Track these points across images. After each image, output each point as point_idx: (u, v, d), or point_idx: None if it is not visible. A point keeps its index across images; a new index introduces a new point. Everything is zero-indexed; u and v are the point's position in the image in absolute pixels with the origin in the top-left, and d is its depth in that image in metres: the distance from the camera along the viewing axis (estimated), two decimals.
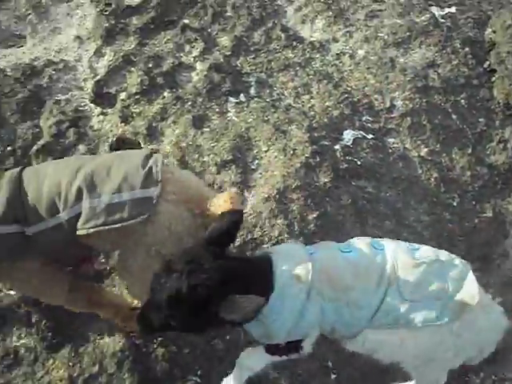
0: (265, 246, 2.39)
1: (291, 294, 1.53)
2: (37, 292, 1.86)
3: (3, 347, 2.12)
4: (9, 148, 2.68)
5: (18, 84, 2.91)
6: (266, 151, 2.68)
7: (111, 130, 2.78)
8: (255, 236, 2.42)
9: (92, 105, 2.90)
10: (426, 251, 1.65)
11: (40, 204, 1.64)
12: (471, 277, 1.60)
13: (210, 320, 1.47)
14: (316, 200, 2.52)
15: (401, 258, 1.61)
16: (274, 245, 2.35)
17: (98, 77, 2.99)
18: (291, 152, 2.66)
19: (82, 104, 2.91)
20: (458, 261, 1.64)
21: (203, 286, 1.42)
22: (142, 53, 3.07)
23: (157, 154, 1.70)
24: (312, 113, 2.86)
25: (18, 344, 2.14)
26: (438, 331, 1.59)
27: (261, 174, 2.60)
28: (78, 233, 1.62)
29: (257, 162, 2.65)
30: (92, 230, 1.59)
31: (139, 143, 2.25)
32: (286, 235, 2.41)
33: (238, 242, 2.36)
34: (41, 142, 2.70)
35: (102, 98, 2.92)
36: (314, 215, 2.48)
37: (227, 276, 1.47)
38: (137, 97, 2.88)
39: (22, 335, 2.16)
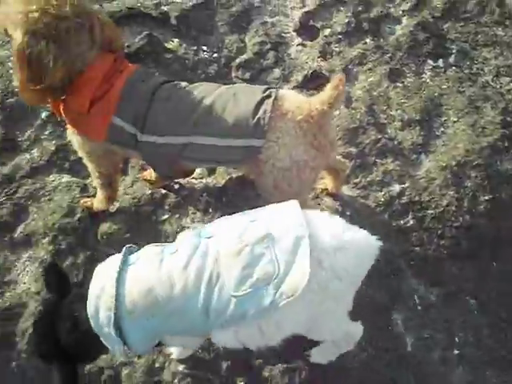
0: (429, 211, 2.41)
1: (102, 325, 1.45)
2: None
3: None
4: (215, 55, 2.88)
5: None
6: (454, 122, 2.64)
7: (307, 62, 2.88)
8: (422, 199, 2.44)
9: (294, 33, 3.00)
10: (257, 227, 1.44)
11: (160, 119, 1.77)
12: (303, 249, 1.37)
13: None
14: (493, 183, 2.47)
15: (223, 246, 1.43)
16: (439, 212, 2.37)
17: (306, 8, 3.07)
18: (480, 129, 2.60)
19: (285, 31, 3.02)
20: (293, 232, 1.40)
21: None
22: None
23: (269, 101, 1.71)
24: (510, 96, 2.75)
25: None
26: (290, 309, 1.41)
27: (444, 142, 2.59)
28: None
29: (442, 129, 2.63)
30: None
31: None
32: (453, 208, 2.41)
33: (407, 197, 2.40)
34: (243, 57, 2.87)
35: (306, 29, 3.00)
36: (486, 197, 2.44)
37: None
38: (339, 36, 2.93)
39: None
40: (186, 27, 2.94)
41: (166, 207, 2.40)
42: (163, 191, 2.43)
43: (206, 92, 1.78)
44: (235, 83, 2.45)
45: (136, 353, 1.63)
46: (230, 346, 1.53)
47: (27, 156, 2.55)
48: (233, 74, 2.81)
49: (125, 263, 1.49)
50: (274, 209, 1.52)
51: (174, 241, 2.19)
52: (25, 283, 2.20)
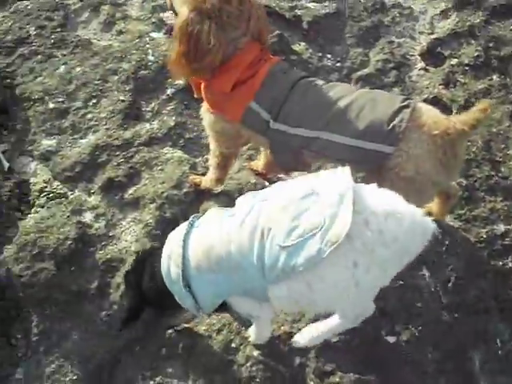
0: None
1: (173, 282, 1.66)
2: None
3: None
4: (338, 64, 2.94)
5: (365, 13, 3.12)
6: None
7: (427, 87, 2.87)
8: None
9: (418, 57, 3.01)
10: (305, 185, 1.52)
11: (294, 111, 1.84)
12: (347, 202, 1.41)
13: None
14: None
15: (274, 204, 1.52)
16: None
17: (435, 35, 3.07)
18: None
19: (410, 53, 3.04)
20: (338, 188, 1.45)
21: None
22: (486, 30, 3.05)
23: (407, 110, 1.72)
24: None
25: None
26: (336, 263, 1.44)
27: None
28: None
29: None
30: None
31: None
32: None
33: None
34: (365, 71, 2.91)
35: (431, 55, 3.01)
36: None
37: None
38: (466, 68, 2.91)
39: None
40: (315, 33, 3.02)
41: None
42: (266, 183, 2.51)
43: (343, 92, 1.84)
44: None
45: (204, 309, 1.73)
46: (285, 304, 1.62)
47: (147, 126, 2.70)
48: (351, 84, 2.85)
49: (191, 226, 1.69)
50: (326, 173, 1.58)
51: None
52: (126, 241, 2.33)
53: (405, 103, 1.75)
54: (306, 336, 2.00)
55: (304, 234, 1.43)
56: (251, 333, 2.05)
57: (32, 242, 2.22)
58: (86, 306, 2.16)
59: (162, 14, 3.05)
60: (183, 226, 1.71)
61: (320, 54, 2.96)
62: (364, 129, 1.73)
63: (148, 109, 2.75)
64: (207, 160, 2.57)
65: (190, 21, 1.72)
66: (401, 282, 2.18)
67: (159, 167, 2.56)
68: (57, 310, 2.15)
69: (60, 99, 2.75)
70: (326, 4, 3.15)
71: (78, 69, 2.85)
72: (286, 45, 2.94)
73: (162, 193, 2.43)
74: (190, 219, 1.72)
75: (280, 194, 1.54)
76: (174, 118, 2.72)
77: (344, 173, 1.51)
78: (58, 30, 2.99)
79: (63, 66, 2.86)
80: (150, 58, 2.83)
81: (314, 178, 1.57)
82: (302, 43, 3.00)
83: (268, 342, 2.06)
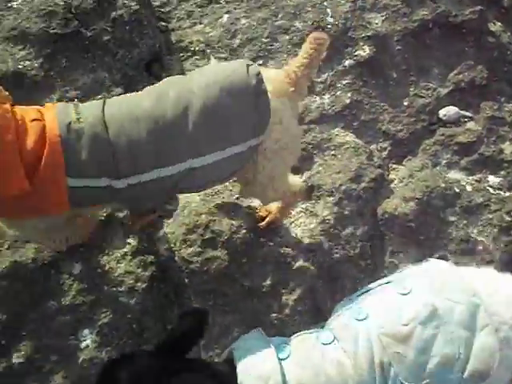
0: None
1: None
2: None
3: None
4: None
5: None
6: None
7: None
8: None
9: None
10: (416, 300, 1.26)
11: (137, 153, 1.44)
12: (482, 321, 1.18)
13: None
14: None
15: (386, 331, 1.24)
16: None
17: None
18: None
19: None
20: (462, 302, 1.22)
21: None
22: None
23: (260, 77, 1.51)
24: None
25: None
26: None
27: None
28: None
29: None
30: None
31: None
32: None
33: None
34: None
35: None
36: None
37: None
38: None
39: None
40: None
41: (457, 209, 2.17)
42: (457, 190, 2.20)
43: (180, 102, 1.45)
44: None
45: None
46: None
47: (318, 100, 2.39)
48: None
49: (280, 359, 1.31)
50: (421, 273, 1.35)
51: (455, 247, 2.03)
52: (296, 234, 2.09)
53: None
54: None
55: (437, 369, 1.20)
56: None
57: (204, 225, 1.98)
58: (255, 304, 1.95)
59: None
60: (268, 353, 1.31)
61: None
62: (231, 133, 1.48)
63: (319, 80, 2.42)
64: (382, 149, 2.28)
65: None
66: None
67: (332, 152, 2.26)
68: (222, 303, 1.95)
69: (222, 55, 2.43)
70: None
71: (244, 21, 2.50)
72: (484, 23, 2.52)
73: (341, 185, 2.15)
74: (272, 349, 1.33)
75: (387, 316, 1.28)
76: (349, 94, 2.39)
77: (450, 269, 1.29)
78: None
79: (226, 16, 2.51)
80: (329, 19, 2.46)
81: (415, 283, 1.31)
82: (499, 23, 2.57)
83: None
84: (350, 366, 1.26)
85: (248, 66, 1.52)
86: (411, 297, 1.28)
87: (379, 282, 1.44)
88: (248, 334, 1.42)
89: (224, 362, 1.38)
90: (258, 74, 1.50)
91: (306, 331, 1.39)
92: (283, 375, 1.25)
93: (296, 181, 1.91)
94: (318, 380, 1.26)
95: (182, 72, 2.41)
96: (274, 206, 1.96)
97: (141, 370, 1.23)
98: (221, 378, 1.28)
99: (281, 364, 1.28)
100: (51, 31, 2.20)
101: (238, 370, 1.27)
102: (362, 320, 1.31)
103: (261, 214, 2.02)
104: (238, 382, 1.25)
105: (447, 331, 1.21)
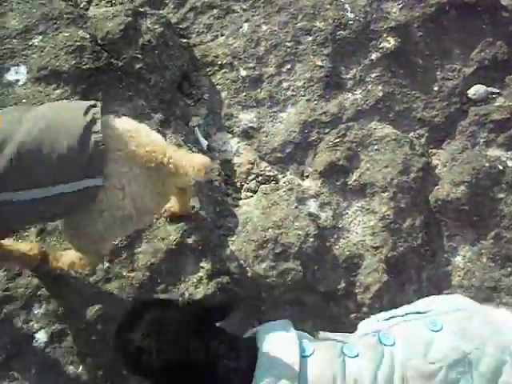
0: None
1: None
2: None
3: None
4: None
5: None
6: None
7: None
8: None
9: None
10: (447, 343, 1.27)
11: None
12: (506, 379, 1.21)
13: None
14: None
15: (411, 365, 1.27)
16: None
17: None
18: None
19: None
20: (493, 354, 1.23)
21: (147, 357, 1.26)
22: None
23: (96, 129, 1.40)
24: None
25: None
26: None
27: None
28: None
29: None
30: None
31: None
32: None
33: None
34: None
35: None
36: None
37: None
38: None
39: None
40: None
41: (503, 185, 2.26)
42: (500, 167, 2.28)
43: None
44: None
45: None
46: None
47: (350, 96, 2.43)
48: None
49: (303, 356, 1.33)
50: (452, 309, 1.36)
51: (508, 222, 2.12)
52: (357, 233, 2.15)
53: (87, 120, 1.40)
54: None
55: None
56: None
57: (274, 239, 2.03)
58: (332, 308, 2.02)
59: None
60: (290, 345, 1.34)
61: None
62: (56, 168, 1.37)
63: (349, 76, 2.46)
64: (420, 136, 2.35)
65: None
66: None
67: (375, 147, 2.32)
68: (300, 311, 2.01)
69: (250, 64, 2.44)
70: None
71: (265, 27, 2.51)
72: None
73: (392, 180, 2.21)
74: (297, 342, 1.35)
75: (414, 348, 1.29)
76: (380, 87, 2.44)
77: (484, 313, 1.30)
78: None
79: (246, 24, 2.52)
80: (349, 15, 2.48)
81: (446, 319, 1.32)
82: None
83: None
84: None
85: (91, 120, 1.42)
86: (441, 336, 1.29)
87: (406, 309, 1.45)
88: (276, 322, 1.45)
89: (247, 339, 1.43)
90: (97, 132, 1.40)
91: (331, 335, 1.43)
92: (301, 369, 1.28)
93: None
94: None
95: (213, 87, 2.42)
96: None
97: (165, 318, 1.29)
98: (240, 350, 1.34)
99: (302, 358, 1.31)
100: (84, 67, 2.17)
101: (259, 352, 1.31)
102: (388, 346, 1.33)
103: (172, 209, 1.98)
104: (257, 362, 1.29)
105: (468, 380, 1.23)
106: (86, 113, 1.42)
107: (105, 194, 1.44)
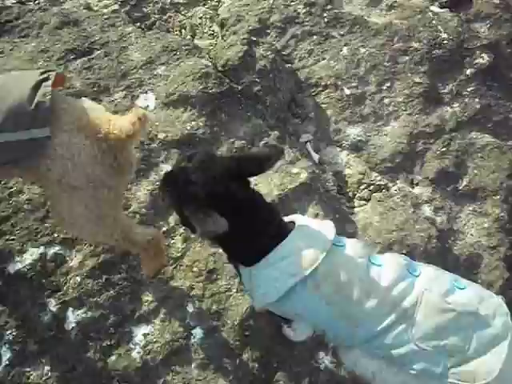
0: None
1: (285, 270, 1.37)
2: None
3: None
4: None
5: None
6: None
7: None
8: None
9: None
10: (467, 297, 1.36)
11: None
12: (502, 347, 1.28)
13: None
14: None
15: (430, 295, 1.35)
16: None
17: None
18: None
19: None
20: (499, 321, 1.32)
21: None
22: None
23: (47, 84, 1.46)
24: None
25: None
26: None
27: None
28: None
29: None
30: None
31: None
32: None
33: None
34: None
35: None
36: None
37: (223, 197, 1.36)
38: None
39: None
40: None
41: None
42: None
43: None
44: None
45: (264, 299, 1.47)
46: (358, 368, 1.49)
47: (449, 109, 2.58)
48: None
49: (335, 244, 1.44)
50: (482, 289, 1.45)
51: None
52: (472, 235, 2.27)
53: (43, 76, 1.47)
54: None
55: (441, 349, 1.32)
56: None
57: (399, 241, 2.16)
58: None
59: None
60: (323, 236, 1.44)
61: None
62: (5, 120, 1.41)
63: (446, 90, 2.62)
64: None
65: None
66: None
67: (479, 154, 2.46)
68: None
69: (353, 84, 2.63)
70: None
71: (363, 50, 2.71)
72: None
73: (502, 183, 2.34)
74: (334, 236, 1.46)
75: (437, 287, 1.38)
76: (477, 99, 2.59)
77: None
78: (328, 7, 2.83)
79: (346, 48, 2.72)
80: (443, 35, 2.67)
81: (472, 289, 1.41)
82: None
83: None
84: (379, 293, 1.37)
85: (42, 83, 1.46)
86: (463, 292, 1.38)
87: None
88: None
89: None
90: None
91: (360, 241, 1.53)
92: (330, 252, 1.38)
93: (144, 232, 1.76)
94: (338, 287, 1.37)
95: (318, 107, 2.61)
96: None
97: (212, 161, 1.42)
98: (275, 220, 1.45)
99: (333, 245, 1.42)
100: (210, 91, 2.39)
101: (293, 230, 1.42)
102: (412, 273, 1.41)
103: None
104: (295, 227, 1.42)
105: (472, 332, 1.32)
106: (41, 77, 1.48)
107: (54, 164, 1.45)
